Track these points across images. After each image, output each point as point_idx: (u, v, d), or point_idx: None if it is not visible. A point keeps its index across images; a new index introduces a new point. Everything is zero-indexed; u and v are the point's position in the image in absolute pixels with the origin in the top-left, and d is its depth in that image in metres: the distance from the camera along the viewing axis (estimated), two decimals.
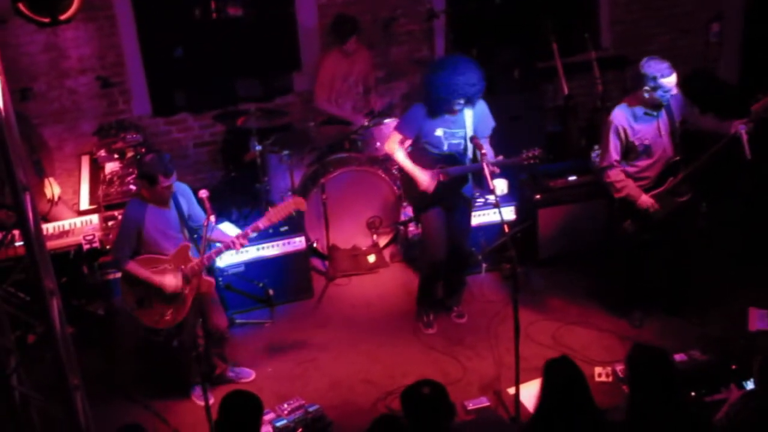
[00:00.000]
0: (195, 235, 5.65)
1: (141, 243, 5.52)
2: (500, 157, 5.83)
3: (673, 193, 5.92)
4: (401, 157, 6.05)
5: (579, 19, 8.59)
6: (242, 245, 5.62)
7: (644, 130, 5.84)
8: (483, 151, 5.67)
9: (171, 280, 5.44)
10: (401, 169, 6.29)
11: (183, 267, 5.48)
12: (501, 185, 6.91)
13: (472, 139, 5.89)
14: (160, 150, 5.65)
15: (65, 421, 4.63)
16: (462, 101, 5.77)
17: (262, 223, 5.58)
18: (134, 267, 5.49)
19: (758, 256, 6.82)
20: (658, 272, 6.31)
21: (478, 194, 7.00)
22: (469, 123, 5.92)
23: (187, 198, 5.69)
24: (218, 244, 5.62)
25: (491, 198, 5.76)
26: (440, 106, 5.85)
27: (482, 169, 5.61)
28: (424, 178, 5.93)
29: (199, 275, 5.53)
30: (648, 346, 4.27)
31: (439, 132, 5.92)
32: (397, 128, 6.13)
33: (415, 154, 6.05)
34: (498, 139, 5.94)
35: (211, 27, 8.09)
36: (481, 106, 5.99)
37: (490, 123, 6.05)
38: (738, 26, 8.88)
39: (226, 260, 6.57)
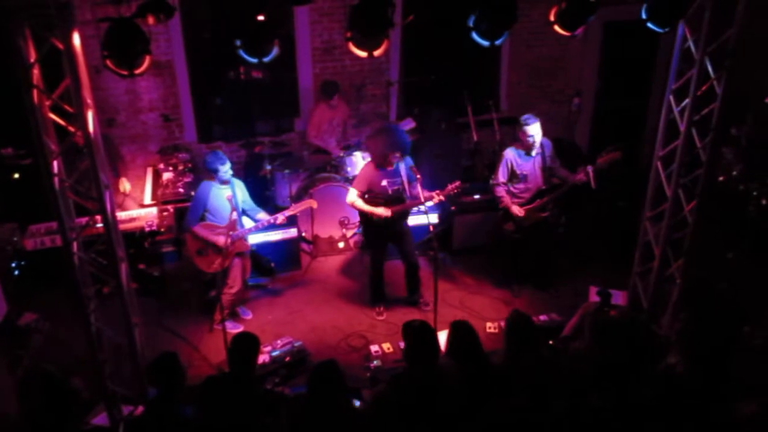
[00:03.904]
0: (241, 218, 5.65)
1: (207, 211, 5.50)
2: (435, 192, 5.62)
3: (538, 209, 5.99)
4: (361, 204, 5.75)
5: (486, 90, 8.63)
6: (269, 223, 5.69)
7: (524, 165, 5.92)
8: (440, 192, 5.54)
9: (221, 239, 5.40)
10: (360, 218, 6.05)
11: (231, 233, 5.42)
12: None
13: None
14: (217, 150, 5.61)
15: (127, 347, 4.57)
16: (398, 154, 5.57)
17: (288, 212, 5.69)
18: (199, 229, 5.50)
19: (597, 253, 6.91)
20: (529, 260, 6.36)
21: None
22: (402, 173, 5.70)
23: (242, 190, 5.68)
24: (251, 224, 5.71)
25: (422, 208, 5.72)
26: (382, 160, 5.62)
27: (418, 202, 5.55)
28: (381, 211, 5.69)
29: (241, 239, 5.63)
30: (520, 312, 4.14)
31: (384, 182, 5.69)
32: (354, 185, 5.80)
33: (371, 201, 5.76)
34: (431, 171, 5.86)
35: (240, 84, 7.97)
36: (408, 161, 5.73)
37: (416, 172, 5.73)
38: (591, 101, 9.01)
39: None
